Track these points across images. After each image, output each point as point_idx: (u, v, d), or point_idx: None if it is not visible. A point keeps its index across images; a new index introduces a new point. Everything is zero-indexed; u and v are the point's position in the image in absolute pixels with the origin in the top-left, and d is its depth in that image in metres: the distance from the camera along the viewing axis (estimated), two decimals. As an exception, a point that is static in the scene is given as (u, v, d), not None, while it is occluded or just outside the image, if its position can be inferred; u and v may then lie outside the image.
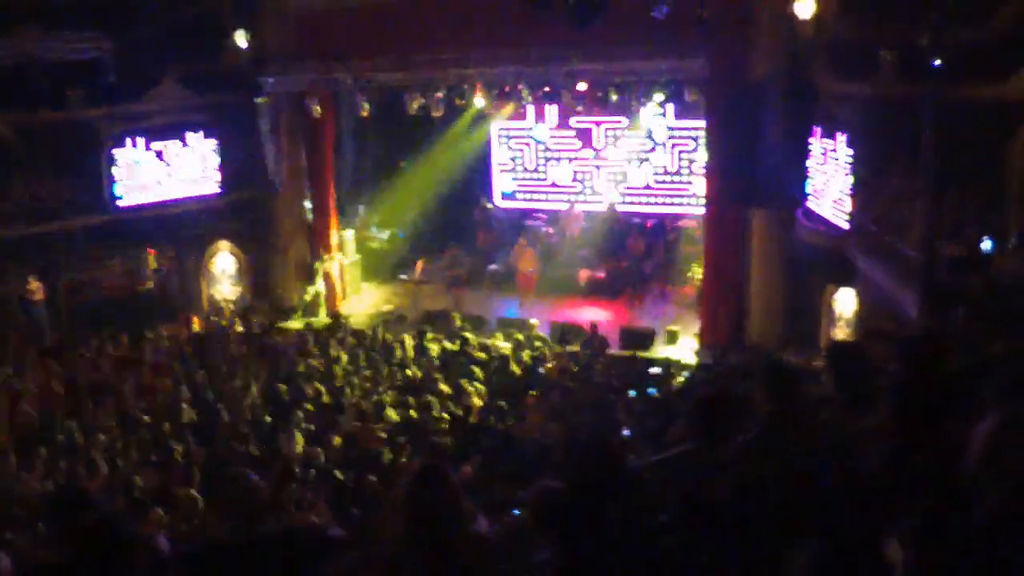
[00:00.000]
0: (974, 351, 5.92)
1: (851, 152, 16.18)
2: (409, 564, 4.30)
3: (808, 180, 18.28)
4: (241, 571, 4.59)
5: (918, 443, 5.25)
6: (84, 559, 4.42)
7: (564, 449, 11.30)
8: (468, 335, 19.06)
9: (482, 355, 18.08)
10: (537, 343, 18.96)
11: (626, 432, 13.34)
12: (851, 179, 16.21)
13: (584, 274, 23.39)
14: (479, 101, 21.28)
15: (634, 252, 23.67)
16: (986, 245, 11.29)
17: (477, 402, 15.43)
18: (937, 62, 10.62)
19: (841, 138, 16.57)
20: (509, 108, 23.07)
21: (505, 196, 26.74)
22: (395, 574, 4.49)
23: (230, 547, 4.60)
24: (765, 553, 4.44)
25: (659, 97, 20.44)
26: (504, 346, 18.90)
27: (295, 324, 21.40)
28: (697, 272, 21.69)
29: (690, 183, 24.12)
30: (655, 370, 17.82)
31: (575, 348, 18.65)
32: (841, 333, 17.82)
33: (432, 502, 4.24)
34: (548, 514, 4.69)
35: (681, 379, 17.13)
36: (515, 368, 17.31)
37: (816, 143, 17.83)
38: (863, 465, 5.18)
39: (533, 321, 20.47)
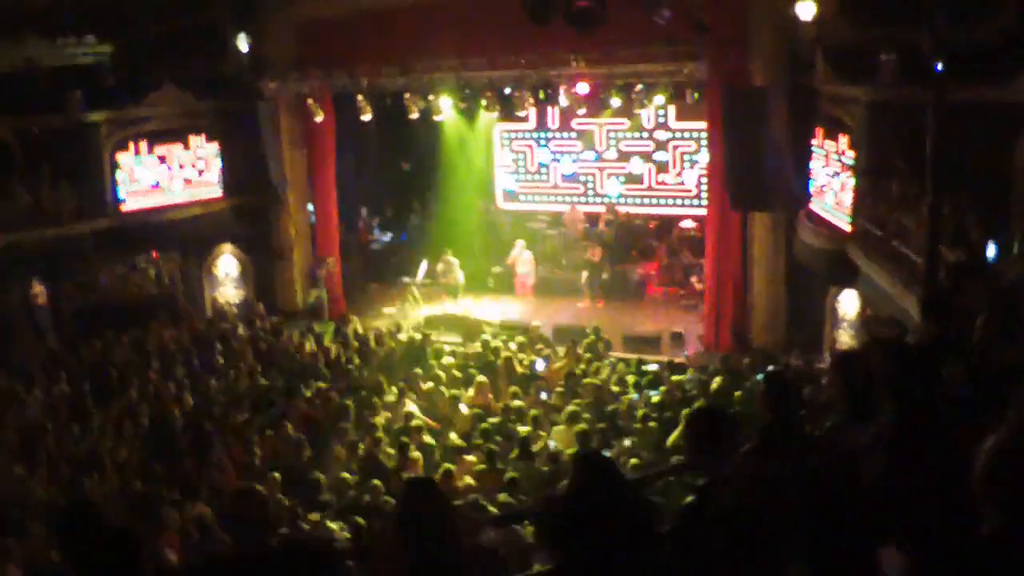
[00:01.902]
0: (978, 361, 5.91)
1: (853, 154, 16.19)
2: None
3: (810, 182, 18.30)
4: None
5: (918, 454, 5.26)
6: (92, 573, 4.43)
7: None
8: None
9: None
10: (539, 345, 18.96)
11: (627, 442, 13.38)
12: (853, 181, 16.22)
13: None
14: (480, 105, 21.27)
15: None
16: (990, 251, 11.25)
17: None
18: (939, 66, 10.56)
19: (843, 139, 16.58)
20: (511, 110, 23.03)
21: (507, 198, 26.76)
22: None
23: (237, 560, 4.60)
24: (765, 565, 4.44)
25: (660, 99, 20.43)
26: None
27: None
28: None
29: (690, 184, 24.17)
30: (652, 367, 17.80)
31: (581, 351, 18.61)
32: (845, 335, 17.84)
33: (421, 518, 4.23)
34: (551, 526, 4.70)
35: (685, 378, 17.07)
36: (519, 369, 17.32)
37: (818, 144, 17.85)
38: (863, 476, 5.20)
39: (535, 323, 20.50)
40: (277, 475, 12.33)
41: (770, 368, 13.02)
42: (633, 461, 12.44)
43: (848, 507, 4.82)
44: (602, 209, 24.97)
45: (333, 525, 10.31)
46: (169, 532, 10.61)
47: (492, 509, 9.49)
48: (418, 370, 17.13)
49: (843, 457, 5.29)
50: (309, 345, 19.44)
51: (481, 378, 16.41)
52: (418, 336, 19.38)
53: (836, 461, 5.18)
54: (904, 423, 5.56)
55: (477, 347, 18.82)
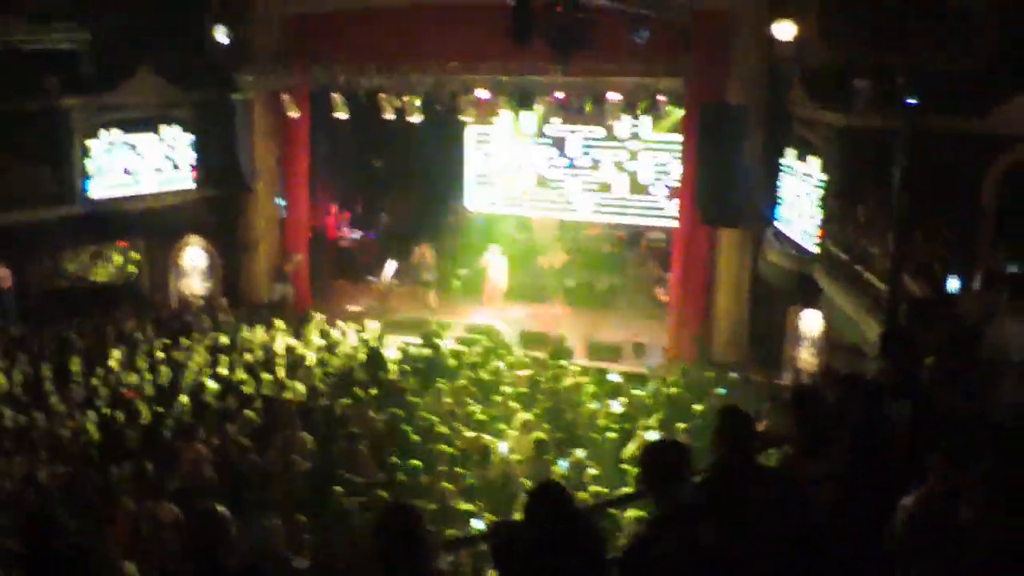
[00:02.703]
0: (923, 404, 6.00)
1: (823, 177, 16.33)
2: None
3: (779, 201, 18.44)
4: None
5: (867, 491, 5.35)
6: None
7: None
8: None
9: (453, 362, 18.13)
10: (501, 351, 18.98)
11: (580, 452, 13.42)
12: (821, 204, 16.37)
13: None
14: (457, 106, 21.24)
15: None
16: (953, 284, 11.36)
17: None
18: (911, 99, 10.69)
19: (814, 161, 16.72)
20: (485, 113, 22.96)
21: (478, 201, 26.76)
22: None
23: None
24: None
25: (636, 110, 20.50)
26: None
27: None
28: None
29: (661, 196, 24.26)
30: (614, 377, 17.89)
31: (539, 355, 18.65)
32: (805, 352, 18.02)
33: (398, 540, 4.27)
34: (505, 553, 4.76)
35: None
36: (482, 375, 17.33)
37: (789, 164, 17.99)
38: (812, 509, 5.29)
39: (498, 327, 20.55)
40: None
41: (724, 403, 13.06)
42: (592, 473, 12.56)
43: (797, 540, 4.91)
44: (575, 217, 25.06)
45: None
46: (123, 524, 10.57)
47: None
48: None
49: (794, 491, 5.38)
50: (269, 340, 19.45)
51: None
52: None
53: (787, 495, 5.27)
54: (856, 460, 5.66)
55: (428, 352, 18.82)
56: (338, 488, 11.49)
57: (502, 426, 14.58)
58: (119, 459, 12.97)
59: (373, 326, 20.69)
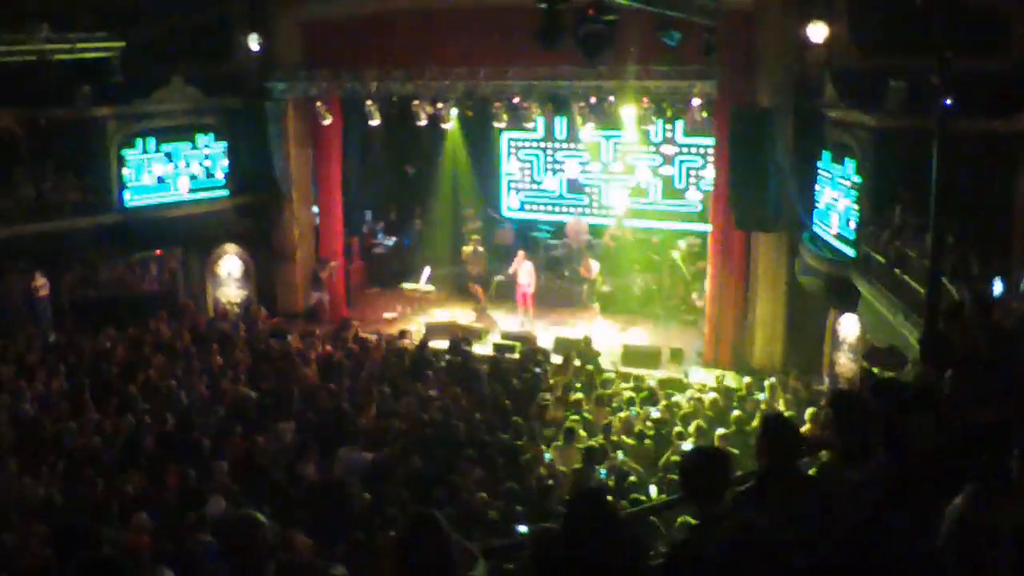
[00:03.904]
0: (966, 414, 5.93)
1: (859, 179, 16.23)
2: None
3: (815, 205, 18.34)
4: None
5: (908, 498, 5.29)
6: None
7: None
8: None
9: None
10: (540, 356, 18.99)
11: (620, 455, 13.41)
12: (858, 207, 16.27)
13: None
14: (489, 112, 21.25)
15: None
16: (996, 287, 11.22)
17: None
18: (946, 100, 10.58)
19: (850, 163, 16.62)
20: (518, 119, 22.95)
21: (512, 207, 26.78)
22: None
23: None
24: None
25: (667, 113, 20.47)
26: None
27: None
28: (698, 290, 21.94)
29: (695, 200, 24.23)
30: (651, 383, 17.88)
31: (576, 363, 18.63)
32: (844, 357, 17.89)
33: (424, 552, 4.25)
34: (544, 560, 4.74)
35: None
36: (517, 383, 17.31)
37: (824, 168, 17.89)
38: (851, 520, 5.23)
39: (533, 334, 20.58)
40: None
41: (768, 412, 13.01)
42: (632, 479, 12.51)
43: (837, 547, 4.86)
44: (609, 222, 25.02)
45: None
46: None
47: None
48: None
49: (830, 503, 5.33)
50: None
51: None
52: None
53: (824, 506, 5.22)
54: (896, 466, 5.60)
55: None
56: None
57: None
58: (154, 468, 13.00)
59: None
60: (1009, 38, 14.85)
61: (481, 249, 24.00)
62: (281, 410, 15.56)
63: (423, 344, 19.39)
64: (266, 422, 14.81)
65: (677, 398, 17.03)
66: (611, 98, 19.71)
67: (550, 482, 12.36)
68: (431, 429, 14.17)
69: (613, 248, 24.45)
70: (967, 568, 4.50)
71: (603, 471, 12.81)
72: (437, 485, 11.74)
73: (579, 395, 16.48)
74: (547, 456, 13.74)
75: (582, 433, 14.29)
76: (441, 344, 19.75)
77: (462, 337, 19.67)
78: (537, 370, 18.01)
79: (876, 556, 4.93)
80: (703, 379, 18.95)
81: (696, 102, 19.24)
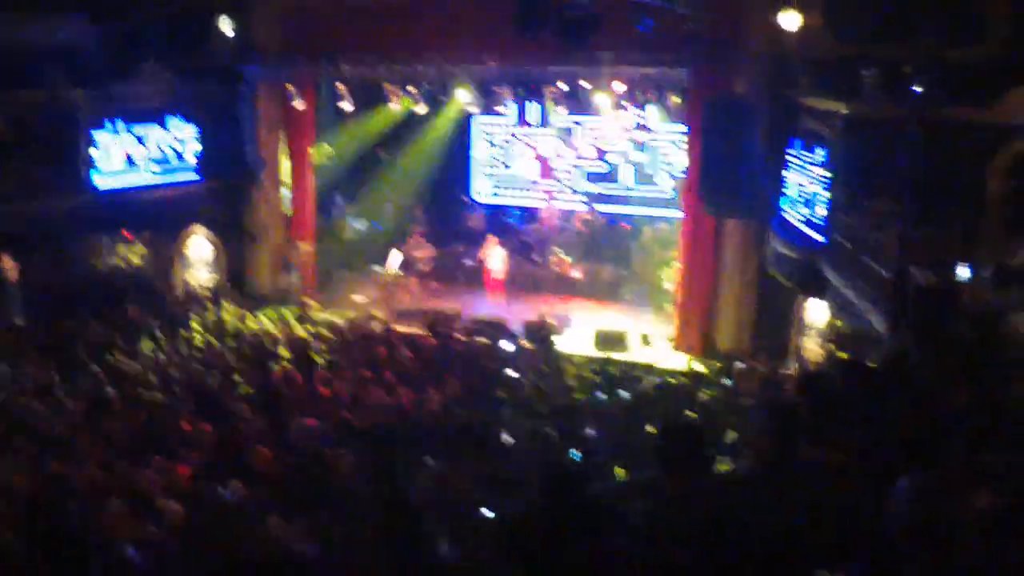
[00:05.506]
0: (937, 397, 5.99)
1: (830, 167, 16.29)
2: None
3: (785, 191, 18.41)
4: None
5: (869, 483, 5.35)
6: (39, 559, 4.46)
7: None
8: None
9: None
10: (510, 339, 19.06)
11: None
12: (828, 194, 16.33)
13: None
14: (461, 97, 21.24)
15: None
16: (963, 272, 11.31)
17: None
18: (918, 88, 10.66)
19: (820, 151, 16.67)
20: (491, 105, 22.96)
21: (483, 192, 26.80)
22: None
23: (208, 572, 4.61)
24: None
25: (641, 100, 20.51)
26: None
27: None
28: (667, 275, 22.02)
29: (666, 187, 24.32)
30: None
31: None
32: (811, 342, 18.00)
33: (404, 530, 4.28)
34: (515, 537, 4.76)
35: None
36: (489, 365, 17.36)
37: (795, 155, 17.94)
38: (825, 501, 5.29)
39: (504, 318, 20.60)
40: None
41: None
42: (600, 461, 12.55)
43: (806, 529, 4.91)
44: (580, 207, 25.11)
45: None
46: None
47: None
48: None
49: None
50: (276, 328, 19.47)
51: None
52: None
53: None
54: (861, 446, 5.66)
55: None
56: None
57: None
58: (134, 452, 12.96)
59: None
60: (984, 27, 14.92)
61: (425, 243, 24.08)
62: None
63: (388, 327, 19.42)
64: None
65: (645, 382, 17.11)
66: (584, 84, 19.75)
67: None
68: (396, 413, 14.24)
69: (586, 234, 24.52)
70: (917, 552, 4.55)
71: (575, 453, 12.85)
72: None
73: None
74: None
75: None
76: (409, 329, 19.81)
77: (437, 320, 19.72)
78: (510, 350, 18.09)
79: (844, 538, 5.01)
80: (672, 363, 19.10)
81: (668, 90, 19.32)
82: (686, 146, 20.93)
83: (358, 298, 23.45)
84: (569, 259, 23.62)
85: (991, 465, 5.09)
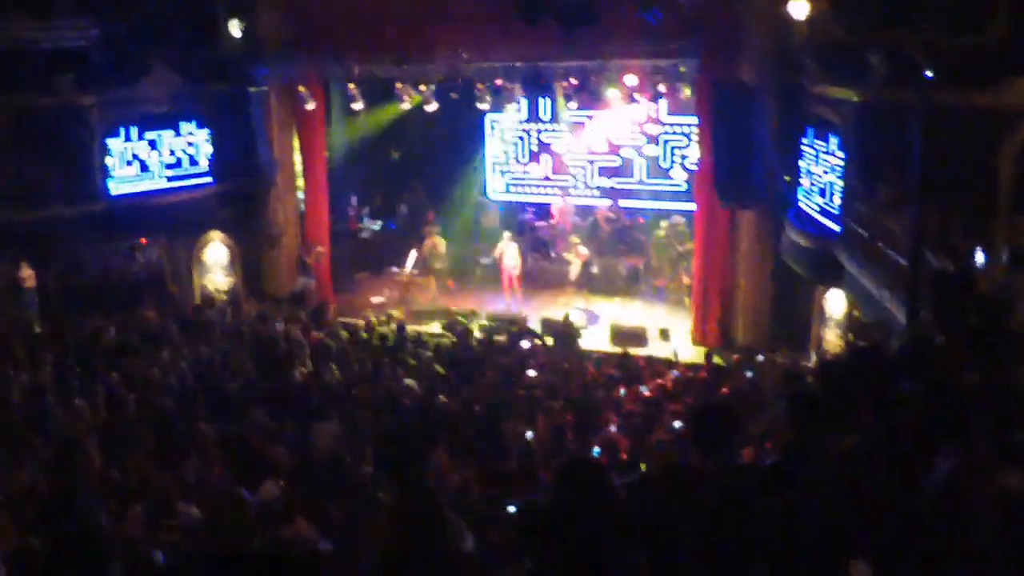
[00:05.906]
0: (951, 378, 5.96)
1: (843, 155, 16.24)
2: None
3: (799, 181, 18.35)
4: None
5: (893, 464, 5.32)
6: (62, 562, 4.44)
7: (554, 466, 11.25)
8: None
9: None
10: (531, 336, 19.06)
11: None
12: (842, 182, 16.27)
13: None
14: (473, 94, 21.22)
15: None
16: (979, 258, 11.25)
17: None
18: (927, 72, 10.60)
19: (833, 140, 16.62)
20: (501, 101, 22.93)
21: (497, 189, 26.77)
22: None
23: (219, 563, 4.60)
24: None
25: (651, 92, 20.46)
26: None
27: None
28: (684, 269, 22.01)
29: (680, 179, 24.25)
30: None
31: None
32: (831, 333, 17.93)
33: (416, 518, 4.26)
34: (531, 529, 4.74)
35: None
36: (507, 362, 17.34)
37: (808, 144, 17.89)
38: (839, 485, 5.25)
39: (523, 315, 20.59)
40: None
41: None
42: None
43: (821, 515, 4.87)
44: (599, 203, 25.09)
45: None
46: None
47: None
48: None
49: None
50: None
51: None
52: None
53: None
54: (883, 433, 5.63)
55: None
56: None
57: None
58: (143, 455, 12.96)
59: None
60: (989, 13, 14.81)
61: (440, 241, 24.09)
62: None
63: (401, 327, 19.46)
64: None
65: (666, 376, 17.07)
66: (594, 78, 19.71)
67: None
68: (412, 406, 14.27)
69: (607, 231, 24.49)
70: (954, 533, 4.52)
71: (595, 448, 12.83)
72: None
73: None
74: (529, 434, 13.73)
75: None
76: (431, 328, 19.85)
77: (455, 319, 19.76)
78: (526, 347, 18.08)
79: (863, 521, 4.97)
80: (691, 357, 19.05)
81: (678, 80, 19.28)
82: (698, 138, 20.88)
83: (376, 299, 23.45)
84: (586, 252, 23.54)
85: (1020, 445, 5.07)
